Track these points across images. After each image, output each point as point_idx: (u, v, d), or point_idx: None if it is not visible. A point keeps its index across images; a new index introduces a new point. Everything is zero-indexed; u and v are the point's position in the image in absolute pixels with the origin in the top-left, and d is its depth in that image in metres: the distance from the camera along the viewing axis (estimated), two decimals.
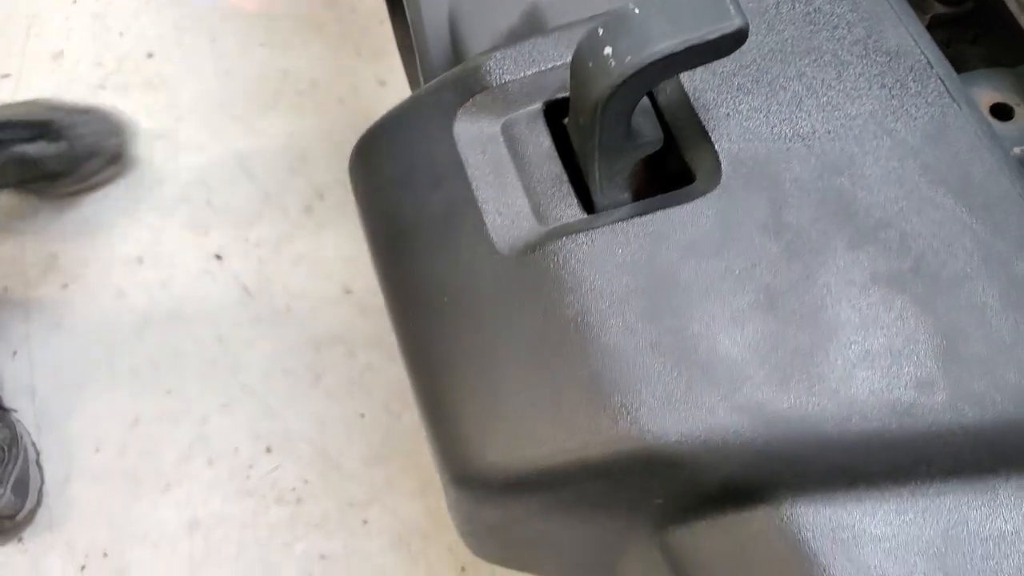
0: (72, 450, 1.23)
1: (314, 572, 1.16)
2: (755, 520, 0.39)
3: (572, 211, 0.45)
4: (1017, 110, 0.52)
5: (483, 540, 0.51)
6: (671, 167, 0.46)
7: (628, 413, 0.40)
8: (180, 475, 1.21)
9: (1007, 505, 0.39)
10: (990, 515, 0.38)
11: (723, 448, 0.39)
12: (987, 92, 0.53)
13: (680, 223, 0.43)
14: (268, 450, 1.22)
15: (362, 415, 1.23)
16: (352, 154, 0.51)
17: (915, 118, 0.44)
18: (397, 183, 0.48)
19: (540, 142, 0.46)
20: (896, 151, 0.43)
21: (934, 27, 0.59)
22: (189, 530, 1.18)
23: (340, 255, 1.33)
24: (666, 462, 0.39)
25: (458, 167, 0.46)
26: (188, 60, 1.46)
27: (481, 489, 0.43)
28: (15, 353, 1.27)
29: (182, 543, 1.18)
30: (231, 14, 1.50)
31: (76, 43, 1.47)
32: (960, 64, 0.56)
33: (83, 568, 1.17)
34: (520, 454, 0.41)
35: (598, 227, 0.43)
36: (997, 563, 0.38)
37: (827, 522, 0.39)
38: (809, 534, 0.39)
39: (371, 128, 0.50)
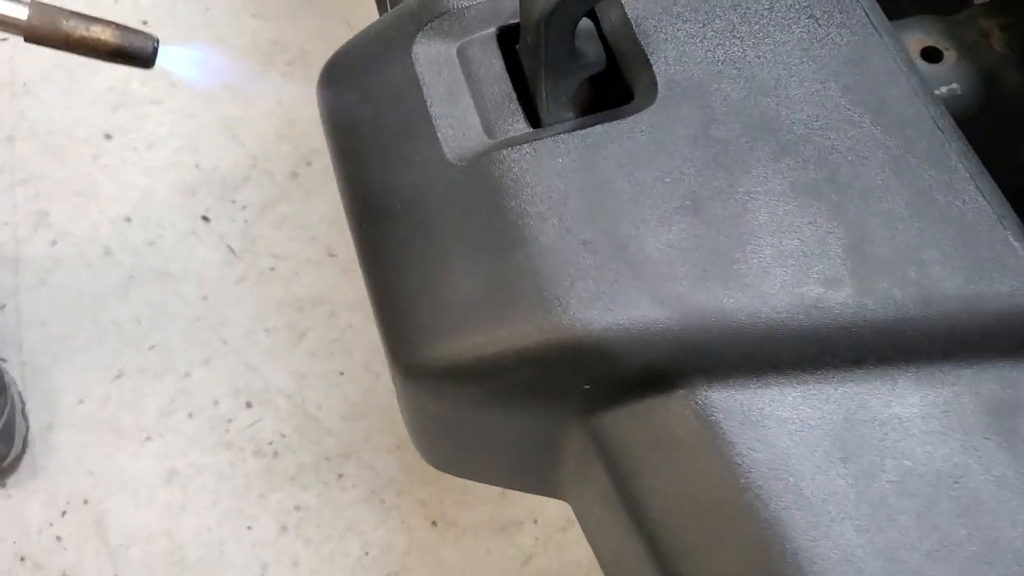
0: (56, 401, 1.26)
1: (288, 523, 1.19)
2: (673, 403, 0.43)
3: (519, 126, 0.48)
4: (946, 54, 0.56)
5: (431, 441, 0.54)
6: (614, 90, 0.49)
7: (560, 305, 0.43)
8: (161, 427, 1.24)
9: (905, 393, 0.42)
10: (889, 402, 0.42)
11: (645, 337, 0.42)
12: (918, 36, 0.56)
13: (617, 136, 0.46)
14: (248, 405, 1.25)
15: (341, 373, 1.27)
16: (320, 76, 0.54)
17: (839, 45, 0.48)
18: (359, 101, 0.51)
19: (492, 64, 0.50)
20: (819, 74, 0.47)
21: None
22: (168, 480, 1.21)
23: (325, 219, 1.36)
24: (593, 350, 0.43)
25: (415, 85, 0.49)
26: (181, 28, 1.49)
27: (425, 378, 0.46)
28: (3, 306, 1.30)
29: (160, 492, 1.21)
30: None
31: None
32: (902, 14, 0.60)
33: (64, 514, 1.20)
34: (462, 343, 0.45)
35: (541, 139, 0.47)
36: (893, 443, 0.41)
37: (738, 405, 0.42)
38: (721, 416, 0.42)
39: (337, 52, 0.54)
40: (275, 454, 1.22)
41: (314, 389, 1.26)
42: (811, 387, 0.42)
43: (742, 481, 0.41)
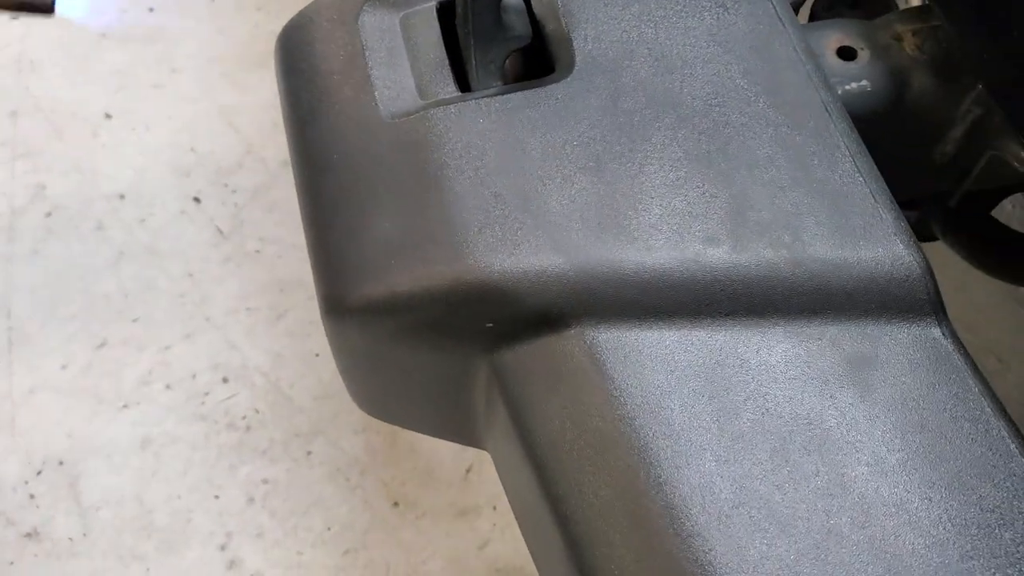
0: (40, 365, 1.30)
1: (256, 495, 1.23)
2: (564, 341, 0.47)
3: (448, 89, 0.53)
4: (860, 53, 0.60)
5: (359, 384, 0.58)
6: (539, 63, 0.54)
7: (467, 248, 0.47)
8: (138, 396, 1.29)
9: (772, 343, 0.46)
10: (758, 350, 0.46)
11: (542, 281, 0.47)
12: (837, 35, 0.61)
13: (534, 102, 0.51)
14: (225, 380, 1.29)
15: (317, 354, 1.31)
16: (276, 41, 0.59)
17: (744, 32, 0.52)
18: (309, 65, 0.56)
19: (430, 33, 0.54)
20: (723, 57, 0.51)
21: None
22: (141, 447, 1.25)
23: None
24: (495, 291, 0.47)
25: (359, 50, 0.54)
26: (186, 17, 1.55)
27: (348, 313, 0.50)
28: None
29: (134, 458, 1.25)
30: None
31: None
32: None
33: (39, 473, 1.24)
34: (380, 281, 0.49)
35: (466, 101, 0.51)
36: (757, 386, 0.45)
37: (622, 346, 0.46)
38: (605, 353, 0.46)
39: (292, 19, 0.58)
40: (247, 428, 1.27)
41: (289, 368, 1.30)
42: (687, 333, 0.46)
43: (618, 412, 0.45)
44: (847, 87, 0.58)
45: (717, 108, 0.50)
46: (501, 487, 1.21)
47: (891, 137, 0.59)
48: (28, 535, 1.20)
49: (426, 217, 0.49)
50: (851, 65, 0.60)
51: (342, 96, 0.53)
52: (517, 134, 0.50)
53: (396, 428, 1.23)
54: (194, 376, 1.30)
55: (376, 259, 0.49)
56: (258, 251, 1.37)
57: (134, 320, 1.33)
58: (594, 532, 0.45)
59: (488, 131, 0.50)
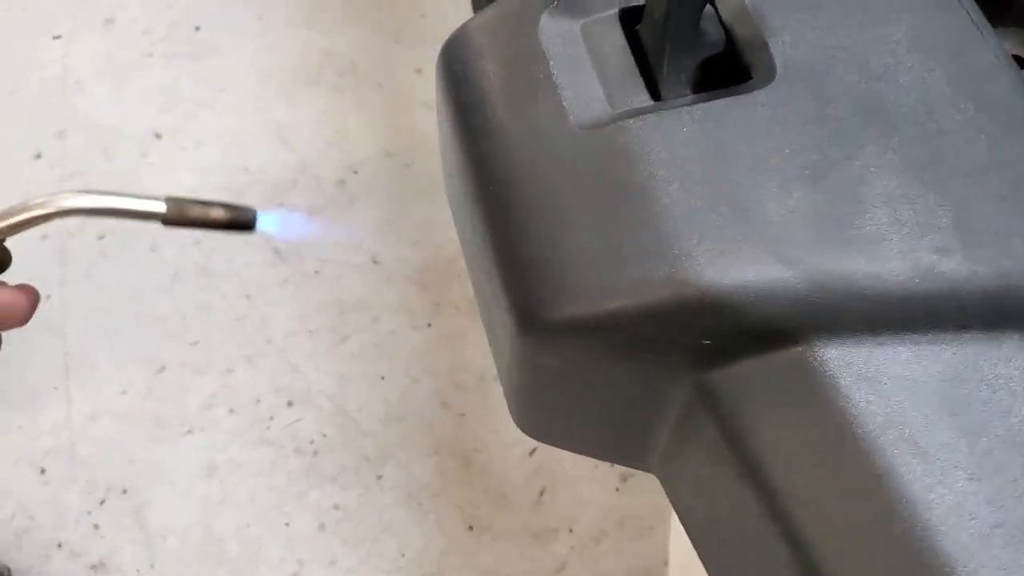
0: (99, 390, 1.27)
1: (327, 521, 1.20)
2: (791, 359, 0.45)
3: (641, 98, 0.51)
4: None
5: (531, 405, 0.56)
6: (730, 71, 0.52)
7: (686, 261, 0.45)
8: (202, 421, 1.26)
9: (1010, 356, 0.44)
10: (995, 363, 0.44)
11: (767, 294, 0.45)
12: (1007, 44, 0.59)
13: (738, 109, 0.49)
14: (289, 404, 1.27)
15: (382, 377, 1.29)
16: (441, 52, 0.57)
17: (943, 40, 0.51)
18: (483, 76, 0.54)
19: (615, 41, 0.52)
20: (925, 64, 0.50)
21: None
22: (207, 474, 1.23)
23: (369, 226, 1.39)
24: (717, 305, 0.45)
25: (541, 59, 0.52)
26: (234, 34, 1.53)
27: (546, 333, 0.48)
28: (49, 297, 1.32)
29: (199, 485, 1.22)
30: None
31: (127, 10, 1.54)
32: None
33: (102, 503, 1.21)
34: (587, 299, 0.47)
35: (664, 110, 0.49)
36: (999, 401, 0.43)
37: (854, 362, 0.44)
38: (840, 371, 0.44)
39: (458, 30, 0.57)
40: (315, 453, 1.24)
41: (355, 391, 1.28)
42: (922, 347, 0.44)
43: (859, 431, 0.43)
44: None
45: (927, 116, 0.48)
46: (575, 509, 1.19)
47: None
48: (94, 567, 1.17)
49: (635, 230, 0.47)
50: None
51: (526, 107, 0.52)
52: (724, 143, 0.48)
53: (468, 451, 1.21)
54: (258, 400, 1.27)
55: (581, 274, 0.47)
56: (317, 272, 1.35)
57: (193, 343, 1.30)
58: (837, 555, 0.43)
59: (692, 140, 0.48)
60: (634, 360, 0.48)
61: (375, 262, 1.36)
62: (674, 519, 1.18)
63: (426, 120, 1.45)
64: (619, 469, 1.23)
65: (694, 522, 0.54)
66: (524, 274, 0.49)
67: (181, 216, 0.54)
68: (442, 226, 1.38)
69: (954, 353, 0.44)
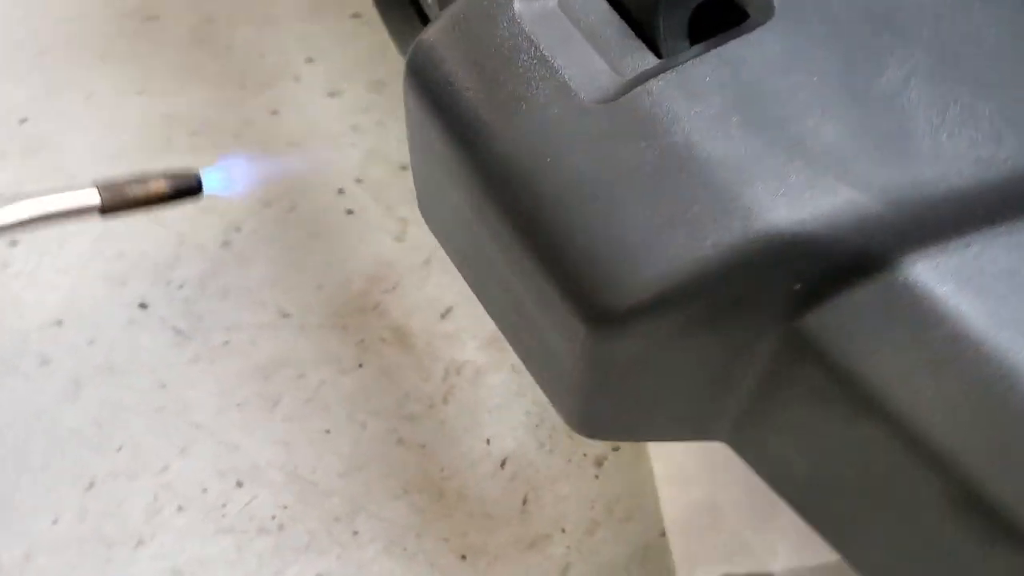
0: (27, 526, 1.16)
1: None
2: (885, 284, 0.44)
3: (647, 60, 0.49)
4: None
5: (597, 403, 0.53)
6: (721, 16, 0.50)
7: (758, 209, 0.43)
8: (151, 528, 1.16)
9: None
10: None
11: (848, 222, 0.43)
12: None
13: (751, 49, 0.47)
14: (239, 484, 1.19)
15: (327, 431, 1.22)
16: (408, 63, 0.53)
17: None
18: (466, 74, 0.50)
19: (599, 9, 0.50)
20: None
21: None
22: None
23: (267, 282, 1.32)
24: (801, 245, 0.43)
25: (528, 43, 0.49)
26: (64, 120, 1.43)
27: (622, 321, 0.45)
28: None
29: None
30: (100, 65, 1.48)
31: None
32: None
33: None
34: (659, 271, 0.44)
35: (677, 65, 0.47)
36: None
37: (948, 269, 0.43)
38: (936, 282, 0.43)
39: (421, 39, 0.53)
40: (280, 528, 1.17)
41: (303, 453, 1.21)
42: (1010, 238, 0.44)
43: (975, 336, 0.42)
44: None
45: (936, 17, 0.48)
46: (561, 509, 1.16)
47: None
48: None
49: (691, 190, 0.44)
50: None
51: (529, 95, 0.48)
52: (751, 85, 0.46)
53: (438, 481, 1.16)
54: (204, 490, 1.18)
55: (650, 250, 0.44)
56: (227, 342, 1.27)
57: (117, 449, 1.20)
58: (984, 463, 0.42)
59: (718, 90, 0.46)
60: (720, 325, 0.46)
61: (284, 315, 1.29)
62: (662, 488, 1.17)
63: (297, 160, 1.39)
64: (592, 456, 1.21)
65: (794, 480, 0.52)
66: (582, 268, 0.46)
67: (119, 200, 0.49)
68: (341, 263, 1.32)
69: None
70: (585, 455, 1.22)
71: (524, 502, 1.19)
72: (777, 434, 0.50)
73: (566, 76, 0.48)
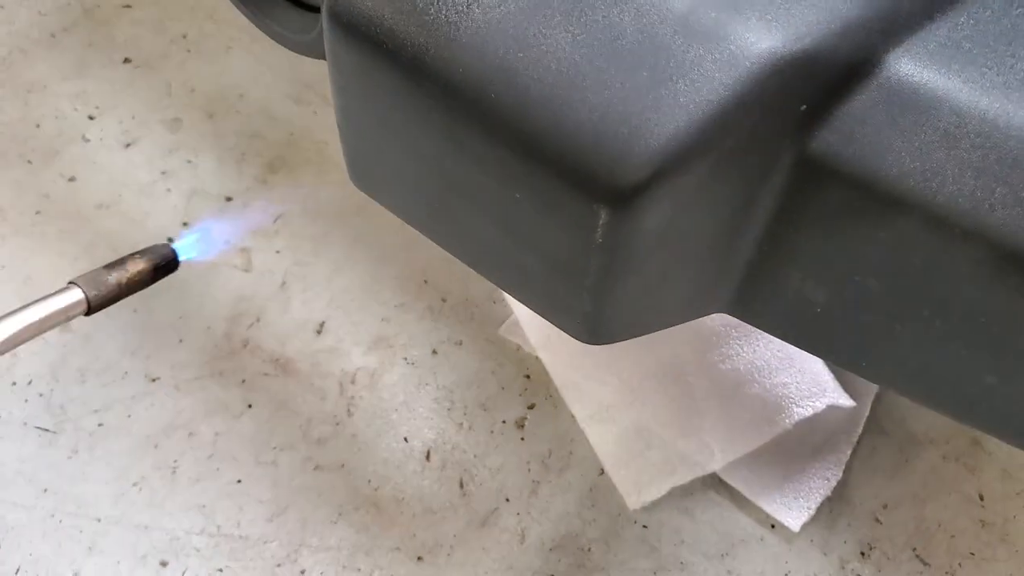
0: None
1: None
2: (879, 83, 0.45)
3: None
4: None
5: (616, 297, 0.52)
6: None
7: (752, 38, 0.44)
8: None
9: None
10: None
11: (835, 30, 0.44)
12: None
13: None
14: (163, 564, 1.10)
15: (239, 481, 1.15)
16: (329, 15, 0.49)
17: None
18: (397, 14, 0.48)
19: None
20: None
21: None
22: None
23: (125, 351, 1.22)
24: (800, 61, 0.44)
25: None
26: None
27: (647, 184, 0.44)
28: None
29: None
30: None
31: None
32: None
33: None
34: (673, 127, 0.44)
35: None
36: None
37: (931, 52, 0.45)
38: (924, 67, 0.45)
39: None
40: None
41: (221, 510, 1.13)
42: (966, 8, 0.46)
43: (974, 106, 0.44)
44: None
45: None
46: (500, 481, 1.15)
47: None
48: None
49: (681, 41, 0.44)
50: None
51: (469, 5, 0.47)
52: None
53: (370, 494, 1.12)
54: None
55: (655, 111, 0.44)
56: (100, 424, 1.18)
57: (17, 571, 1.09)
58: None
59: None
60: (737, 167, 0.46)
61: (153, 380, 1.21)
62: (588, 428, 1.17)
63: (110, 222, 1.29)
64: (512, 421, 1.20)
65: (815, 317, 0.53)
66: (590, 149, 0.45)
67: (104, 293, 0.45)
68: (195, 311, 1.25)
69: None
70: (504, 422, 1.20)
71: (461, 486, 1.16)
72: (798, 270, 0.51)
73: None
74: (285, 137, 1.40)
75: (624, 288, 0.51)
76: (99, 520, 1.11)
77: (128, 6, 1.51)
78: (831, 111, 0.46)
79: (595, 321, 0.54)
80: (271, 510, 1.13)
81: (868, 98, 0.45)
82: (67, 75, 1.43)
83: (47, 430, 1.16)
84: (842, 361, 0.55)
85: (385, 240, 1.31)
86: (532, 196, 0.48)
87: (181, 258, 0.49)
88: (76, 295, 0.44)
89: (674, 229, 0.49)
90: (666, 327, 0.56)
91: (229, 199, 1.34)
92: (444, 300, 1.28)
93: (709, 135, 0.44)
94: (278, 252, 1.30)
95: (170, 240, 0.49)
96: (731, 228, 0.50)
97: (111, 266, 0.46)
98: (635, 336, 0.57)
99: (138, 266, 0.46)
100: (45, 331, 0.43)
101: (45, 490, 1.13)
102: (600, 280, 0.50)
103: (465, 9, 0.47)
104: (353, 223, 1.33)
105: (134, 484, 1.13)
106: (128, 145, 1.38)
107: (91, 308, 0.44)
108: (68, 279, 0.51)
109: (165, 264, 0.47)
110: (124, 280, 0.46)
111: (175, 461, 1.15)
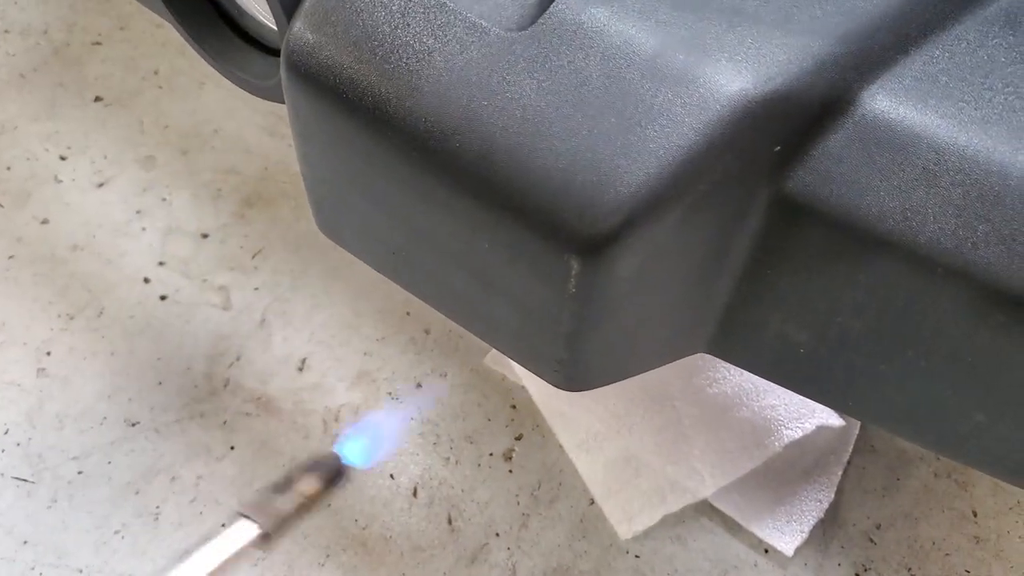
0: None
1: None
2: (855, 121, 0.44)
3: None
4: None
5: (592, 343, 0.50)
6: None
7: (722, 81, 0.43)
8: None
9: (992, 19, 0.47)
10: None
11: (807, 68, 0.43)
12: None
13: None
14: None
15: (222, 525, 1.12)
16: (286, 65, 0.48)
17: None
18: (362, 45, 0.46)
19: None
20: None
21: None
22: None
23: (103, 395, 1.20)
24: (773, 102, 0.43)
25: None
26: None
27: (619, 232, 0.43)
28: None
29: None
30: None
31: None
32: None
33: None
34: (645, 173, 0.42)
35: None
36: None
37: (906, 88, 0.44)
38: (899, 104, 0.44)
39: (294, 28, 0.48)
40: None
41: None
42: (940, 42, 0.45)
43: (952, 142, 0.43)
44: None
45: None
46: (489, 516, 1.13)
47: None
48: None
49: (649, 86, 0.43)
50: None
51: (437, 44, 0.45)
52: None
53: (358, 534, 1.10)
54: None
55: (625, 157, 0.43)
56: (80, 472, 1.15)
57: None
58: (1009, 259, 0.43)
59: None
60: (712, 211, 0.45)
61: (133, 424, 1.19)
62: (576, 458, 1.16)
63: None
64: (499, 453, 1.18)
65: (795, 356, 0.52)
66: (559, 197, 0.44)
67: (277, 519, 0.44)
68: (174, 352, 1.23)
69: (965, 39, 0.46)
70: (491, 454, 1.19)
71: (450, 521, 1.15)
72: (779, 312, 0.50)
73: (470, 15, 0.45)
74: (260, 171, 1.38)
75: (599, 336, 0.50)
76: (81, 571, 1.09)
77: (98, 44, 1.49)
78: (807, 150, 0.44)
79: (571, 368, 0.52)
80: (256, 555, 1.11)
81: (844, 136, 0.44)
82: (38, 116, 1.42)
83: (25, 480, 1.13)
84: (828, 400, 0.54)
85: (365, 273, 1.30)
86: (501, 246, 0.46)
87: (346, 462, 0.46)
88: (251, 529, 0.41)
89: (648, 275, 0.47)
90: (645, 371, 0.55)
91: (205, 236, 1.33)
92: (427, 332, 1.26)
93: (681, 180, 0.43)
94: (256, 289, 1.28)
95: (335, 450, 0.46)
96: (708, 271, 0.49)
97: (280, 488, 0.44)
98: (614, 381, 0.56)
99: (311, 486, 0.44)
100: (229, 565, 0.41)
101: (25, 542, 1.10)
102: (574, 329, 0.48)
103: (427, 57, 0.46)
104: (332, 256, 1.31)
105: (116, 532, 1.11)
106: (101, 185, 1.36)
107: (265, 538, 0.42)
108: (237, 511, 0.46)
109: (338, 476, 0.45)
110: (298, 504, 0.43)
111: (157, 507, 1.13)
